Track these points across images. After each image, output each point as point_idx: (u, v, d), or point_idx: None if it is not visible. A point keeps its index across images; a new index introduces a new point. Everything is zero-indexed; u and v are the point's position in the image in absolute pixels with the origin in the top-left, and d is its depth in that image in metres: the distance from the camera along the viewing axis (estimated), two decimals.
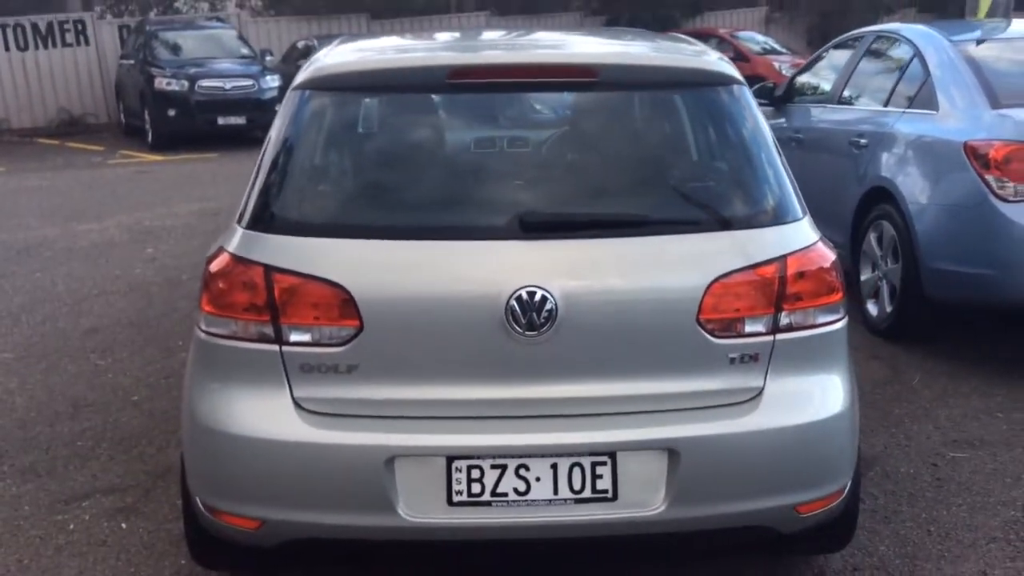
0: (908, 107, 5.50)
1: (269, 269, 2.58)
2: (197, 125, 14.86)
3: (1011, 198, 4.62)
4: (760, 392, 2.62)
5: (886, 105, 5.76)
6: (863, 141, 5.69)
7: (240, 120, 14.90)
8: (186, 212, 9.69)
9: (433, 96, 2.93)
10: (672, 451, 2.52)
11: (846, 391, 2.73)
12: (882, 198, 5.38)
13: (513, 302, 2.49)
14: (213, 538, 2.81)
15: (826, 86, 6.67)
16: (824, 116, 6.40)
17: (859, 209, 5.60)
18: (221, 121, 14.89)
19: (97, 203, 10.33)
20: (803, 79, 7.18)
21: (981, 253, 4.74)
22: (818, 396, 2.69)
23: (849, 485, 2.79)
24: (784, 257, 2.63)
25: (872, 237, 5.49)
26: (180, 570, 3.25)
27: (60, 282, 7.07)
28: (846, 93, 6.31)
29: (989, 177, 4.66)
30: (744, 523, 2.63)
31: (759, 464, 2.57)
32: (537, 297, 2.49)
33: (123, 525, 3.57)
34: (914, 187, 5.14)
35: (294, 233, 2.63)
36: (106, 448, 4.22)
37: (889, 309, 5.33)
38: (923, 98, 5.38)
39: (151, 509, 3.67)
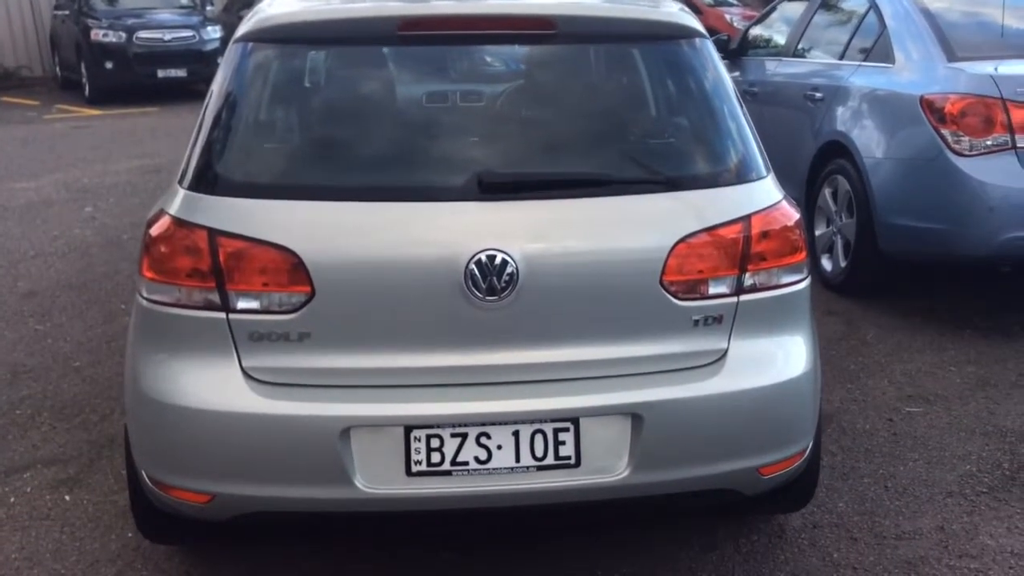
0: (864, 60, 5.47)
1: (213, 233, 2.45)
2: (136, 78, 14.42)
3: (966, 152, 4.61)
4: (724, 354, 2.57)
5: (841, 58, 5.72)
6: (818, 95, 5.65)
7: (180, 73, 14.50)
8: (126, 169, 9.40)
9: (383, 49, 2.80)
10: (635, 416, 2.47)
11: (809, 352, 2.69)
12: (837, 153, 5.35)
13: (472, 266, 2.40)
14: (161, 512, 2.71)
15: (780, 39, 6.61)
16: (779, 70, 6.35)
17: (814, 164, 5.58)
18: (161, 74, 14.47)
19: (33, 160, 9.97)
20: (757, 32, 7.12)
21: (936, 208, 4.74)
22: (781, 357, 2.64)
23: (811, 446, 2.77)
24: (748, 217, 2.56)
25: (827, 192, 5.47)
26: (127, 543, 3.15)
27: None
28: (801, 46, 6.26)
29: (945, 131, 4.65)
30: (707, 486, 2.59)
31: (723, 427, 2.53)
32: (497, 260, 2.40)
33: (67, 497, 3.45)
34: (869, 141, 5.12)
35: (239, 195, 2.50)
36: (47, 417, 4.07)
37: (843, 264, 5.33)
38: (879, 51, 5.34)
39: (95, 480, 3.55)
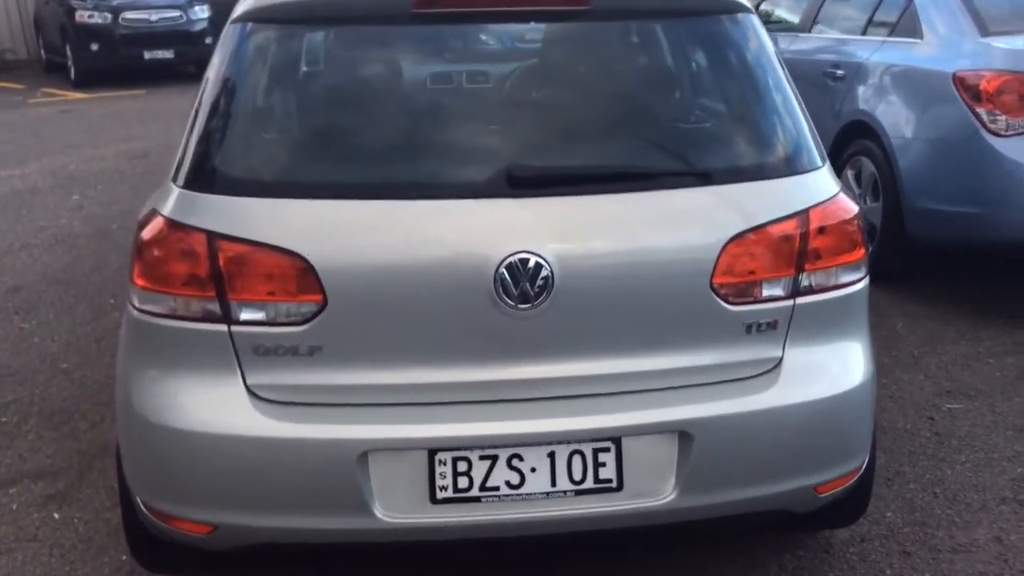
0: (889, 35, 5.20)
1: (212, 236, 2.20)
2: (122, 60, 14.03)
3: (1003, 132, 4.36)
4: (778, 364, 2.34)
5: (864, 33, 5.45)
6: (839, 72, 5.39)
7: (168, 54, 14.12)
8: (114, 154, 9.09)
9: (398, 28, 2.53)
10: (683, 434, 2.23)
11: (867, 358, 2.47)
12: (861, 133, 5.10)
13: (503, 271, 2.15)
14: (157, 539, 2.46)
15: (795, 13, 6.34)
16: (795, 46, 6.08)
17: (835, 145, 5.32)
18: (148, 55, 14.08)
19: (18, 146, 9.65)
20: (768, 6, 6.84)
21: (970, 190, 4.49)
22: (839, 365, 2.42)
23: (867, 459, 2.54)
24: (806, 211, 2.32)
25: (850, 174, 5.22)
26: (122, 566, 2.90)
27: None
28: (819, 20, 5.99)
29: (980, 110, 4.40)
30: (760, 508, 2.36)
31: (778, 444, 2.30)
32: (530, 264, 2.16)
33: (56, 515, 3.20)
34: (897, 121, 4.86)
35: (240, 193, 2.25)
36: (34, 425, 3.82)
37: (869, 250, 5.08)
38: (905, 25, 5.08)
39: (86, 495, 3.30)
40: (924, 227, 4.74)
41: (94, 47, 13.90)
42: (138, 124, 10.73)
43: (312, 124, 2.48)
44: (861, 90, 5.16)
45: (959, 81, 4.49)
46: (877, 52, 5.16)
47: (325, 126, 2.46)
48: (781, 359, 2.34)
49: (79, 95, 13.52)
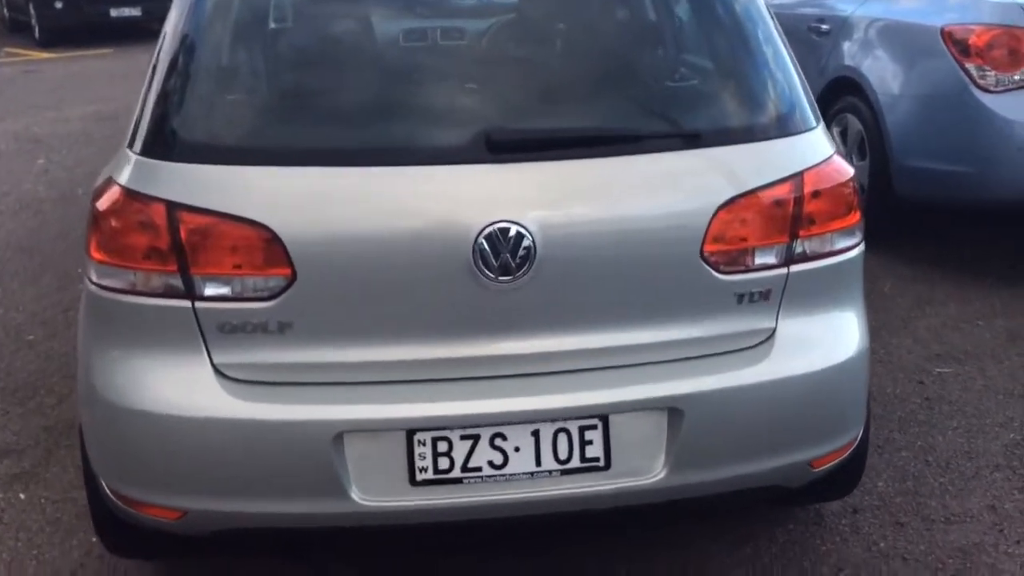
0: None
1: (172, 206, 2.06)
2: (87, 18, 13.68)
3: (993, 88, 4.25)
4: (771, 335, 2.24)
5: None
6: (824, 27, 5.26)
7: (135, 11, 13.77)
8: (80, 116, 8.84)
9: None
10: (673, 410, 2.13)
11: (863, 327, 2.37)
12: (847, 89, 4.98)
13: (482, 241, 2.03)
14: (126, 523, 2.35)
15: None
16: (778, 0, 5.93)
17: (821, 101, 5.17)
18: (114, 13, 13.74)
19: None
20: None
21: (959, 148, 4.40)
22: (834, 336, 2.32)
23: (861, 430, 2.46)
24: (800, 174, 2.21)
25: (835, 132, 5.11)
26: (91, 550, 2.79)
27: None
28: None
29: (969, 66, 4.29)
30: (753, 484, 2.27)
31: (772, 418, 2.21)
32: (511, 234, 2.04)
33: (21, 496, 3.08)
34: (884, 77, 4.75)
35: (202, 160, 2.11)
36: None
37: None
38: None
39: (53, 475, 3.18)
40: (912, 186, 4.65)
41: (58, 4, 13.53)
42: (105, 85, 10.46)
43: (279, 85, 2.33)
44: (847, 45, 5.04)
45: (948, 35, 4.37)
46: (863, 6, 5.03)
47: (293, 87, 2.31)
48: (774, 330, 2.24)
49: (44, 55, 13.19)
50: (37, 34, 13.90)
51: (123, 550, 2.54)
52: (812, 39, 5.33)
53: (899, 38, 4.75)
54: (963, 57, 4.31)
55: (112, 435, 2.18)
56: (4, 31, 15.54)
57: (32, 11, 13.88)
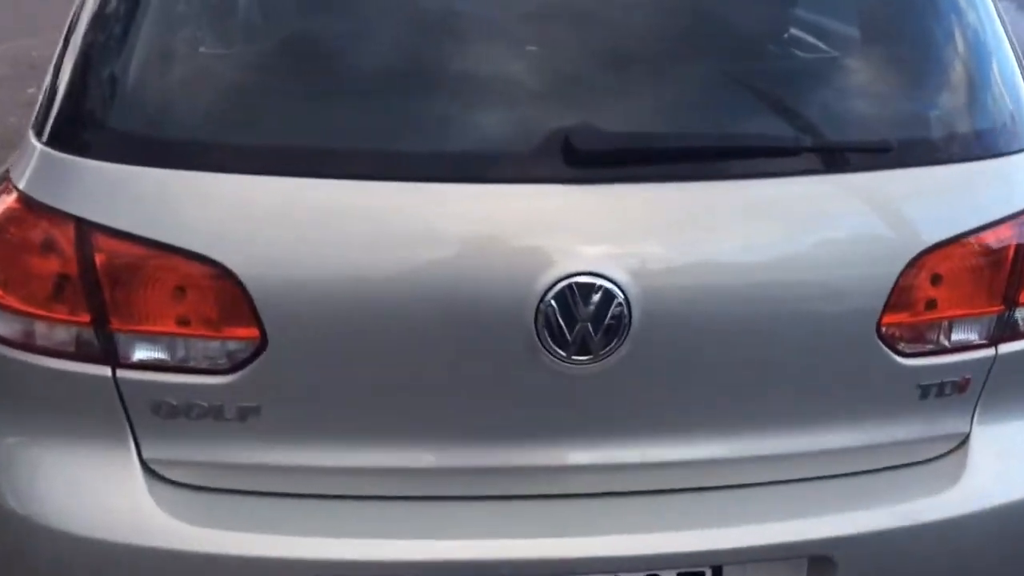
0: None
1: (85, 226, 1.37)
2: None
3: None
4: (962, 443, 1.54)
5: None
6: None
7: None
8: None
9: None
10: (819, 559, 1.45)
11: None
12: None
13: (551, 302, 1.33)
14: None
15: None
16: None
17: None
18: None
19: None
20: None
21: None
22: None
23: None
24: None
25: None
26: None
27: None
28: None
29: None
30: None
31: (962, 570, 1.51)
32: (596, 292, 1.33)
33: None
34: None
35: (133, 159, 1.39)
36: None
37: None
38: None
39: None
40: None
41: None
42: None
43: (250, 55, 1.56)
44: None
45: None
46: None
47: (270, 59, 1.52)
48: (967, 436, 1.54)
49: None
50: None
51: None
52: None
53: None
54: None
55: None
56: None
57: None
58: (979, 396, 1.53)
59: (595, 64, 1.45)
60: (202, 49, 1.51)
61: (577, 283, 1.33)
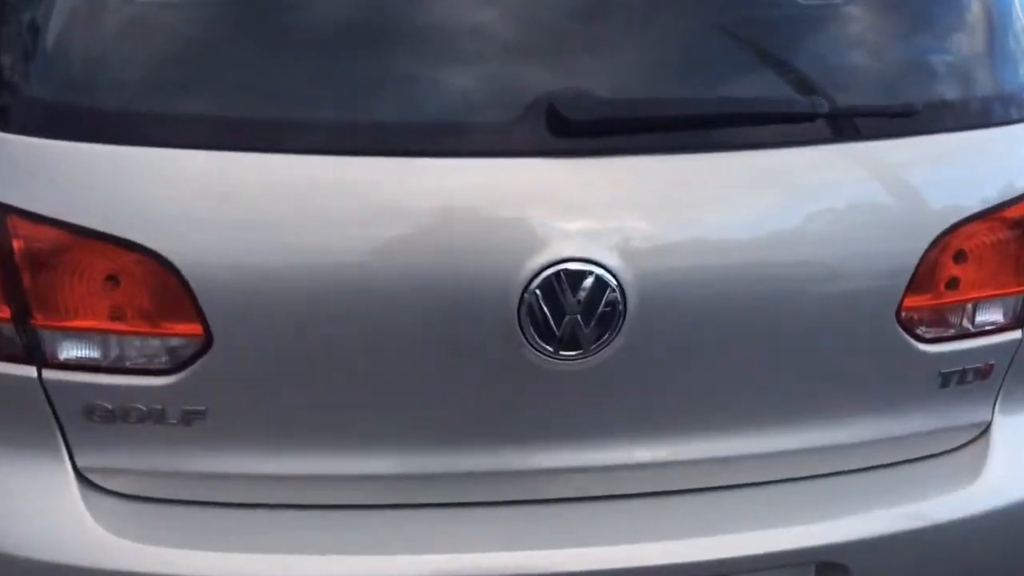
0: None
1: (5, 210, 1.19)
2: None
3: None
4: (983, 433, 1.42)
5: None
6: None
7: None
8: None
9: None
10: (827, 566, 1.33)
11: None
12: None
13: (535, 290, 1.17)
14: None
15: None
16: None
17: None
18: None
19: None
20: None
21: None
22: None
23: None
24: None
25: None
26: None
27: None
28: None
29: None
30: None
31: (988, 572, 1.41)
32: (586, 279, 1.18)
33: None
34: None
35: (59, 133, 1.21)
36: None
37: None
38: None
39: None
40: None
41: None
42: None
43: (187, 9, 1.35)
44: None
45: None
46: None
47: (211, 10, 1.33)
48: (989, 426, 1.42)
49: None
50: None
51: None
52: None
53: None
54: None
55: None
56: None
57: None
58: (1002, 383, 1.41)
59: (583, 20, 1.27)
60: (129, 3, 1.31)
61: (566, 270, 1.18)
